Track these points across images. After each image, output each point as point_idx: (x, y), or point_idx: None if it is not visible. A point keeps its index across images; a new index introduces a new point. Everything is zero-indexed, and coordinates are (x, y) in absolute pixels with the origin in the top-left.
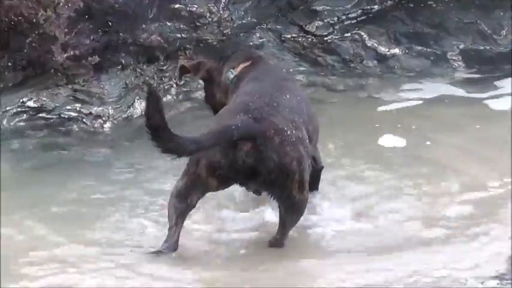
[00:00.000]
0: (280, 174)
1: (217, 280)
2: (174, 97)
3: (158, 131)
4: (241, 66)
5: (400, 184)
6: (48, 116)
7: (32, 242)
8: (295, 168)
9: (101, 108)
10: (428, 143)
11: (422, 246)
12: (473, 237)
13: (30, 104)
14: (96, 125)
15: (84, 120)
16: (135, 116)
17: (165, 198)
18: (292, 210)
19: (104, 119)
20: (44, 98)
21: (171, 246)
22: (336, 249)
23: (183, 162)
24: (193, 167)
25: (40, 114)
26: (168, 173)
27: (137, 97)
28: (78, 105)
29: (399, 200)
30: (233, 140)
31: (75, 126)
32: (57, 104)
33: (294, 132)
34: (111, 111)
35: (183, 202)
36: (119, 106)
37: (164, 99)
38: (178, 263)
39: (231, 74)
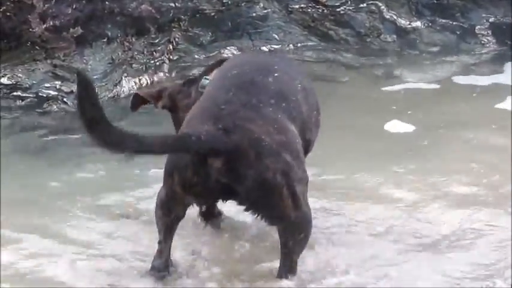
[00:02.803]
0: (262, 192)
1: None
2: (167, 74)
3: (92, 123)
4: (216, 70)
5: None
6: (24, 95)
7: None
8: (280, 181)
9: None
10: (441, 131)
11: None
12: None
13: (4, 80)
14: None
15: (64, 99)
16: (122, 95)
17: (150, 184)
18: (292, 231)
19: None
20: (19, 75)
21: (161, 268)
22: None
23: None
24: (169, 179)
25: (15, 93)
26: (153, 158)
27: (125, 74)
28: (58, 82)
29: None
30: (190, 153)
31: (54, 106)
32: (34, 81)
33: (275, 137)
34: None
35: (168, 215)
36: (104, 84)
37: (155, 76)
38: None
39: (206, 81)
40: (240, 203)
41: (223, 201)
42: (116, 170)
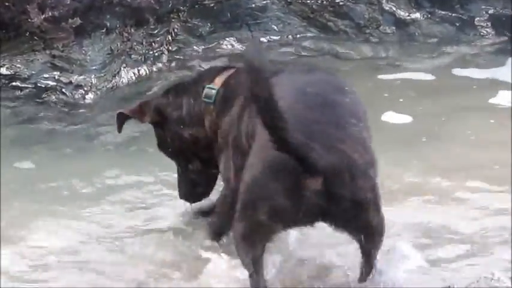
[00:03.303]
0: (354, 210)
1: None
2: (166, 65)
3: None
4: (219, 78)
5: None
6: (23, 85)
7: None
8: (370, 198)
9: (82, 76)
10: (443, 118)
11: None
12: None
13: (3, 71)
14: (76, 96)
15: (63, 90)
16: (120, 86)
17: (150, 176)
18: (373, 235)
19: (85, 89)
20: (18, 65)
21: None
22: None
23: None
24: (251, 210)
25: (14, 83)
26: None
27: (123, 65)
28: (56, 73)
29: None
30: (300, 173)
31: (53, 96)
32: (33, 72)
33: (363, 156)
34: (93, 81)
35: (255, 248)
36: (102, 75)
37: (154, 67)
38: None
39: (212, 90)
40: (329, 223)
41: (311, 224)
42: (114, 159)
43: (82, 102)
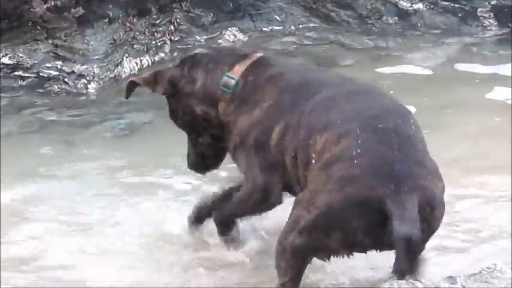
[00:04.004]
0: (426, 237)
1: None
2: (168, 55)
3: None
4: (239, 67)
5: None
6: (26, 75)
7: None
8: (439, 226)
9: (85, 66)
10: (448, 111)
11: None
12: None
13: (5, 60)
14: (79, 86)
15: (65, 79)
16: (123, 76)
17: (155, 165)
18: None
19: (88, 78)
20: (20, 54)
21: None
22: None
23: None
24: (322, 234)
25: (16, 72)
26: (158, 138)
27: (126, 54)
28: (59, 62)
29: None
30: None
31: (55, 86)
32: (35, 61)
33: (439, 186)
34: (96, 70)
35: (300, 261)
36: (105, 64)
37: (156, 57)
38: None
39: (231, 79)
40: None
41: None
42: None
43: (84, 91)
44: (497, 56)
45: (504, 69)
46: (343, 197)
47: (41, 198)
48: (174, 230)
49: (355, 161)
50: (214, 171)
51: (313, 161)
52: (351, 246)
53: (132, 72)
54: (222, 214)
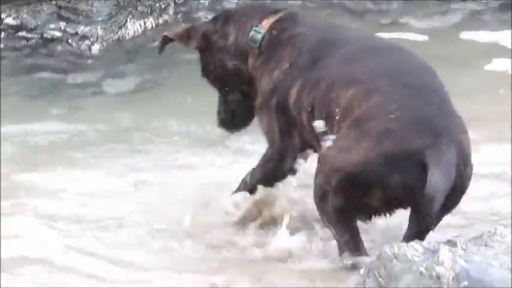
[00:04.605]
0: (456, 197)
1: None
2: (172, 17)
3: None
4: (267, 21)
5: None
6: (29, 36)
7: None
8: (468, 186)
9: (88, 27)
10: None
11: None
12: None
13: (9, 21)
14: (83, 47)
15: (69, 41)
16: (127, 38)
17: (160, 125)
18: (443, 215)
19: (91, 40)
20: (24, 15)
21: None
22: None
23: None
24: (361, 192)
25: (20, 33)
26: (162, 98)
27: (130, 16)
28: (63, 23)
29: None
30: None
31: (59, 47)
32: (39, 22)
33: (468, 142)
34: (100, 32)
35: (348, 219)
36: (109, 26)
37: (160, 19)
38: None
39: (258, 34)
40: None
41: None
42: (121, 106)
43: (88, 53)
44: (500, 23)
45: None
46: (381, 152)
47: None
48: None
49: (392, 116)
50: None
51: (337, 117)
52: (391, 204)
53: (136, 34)
54: (250, 182)
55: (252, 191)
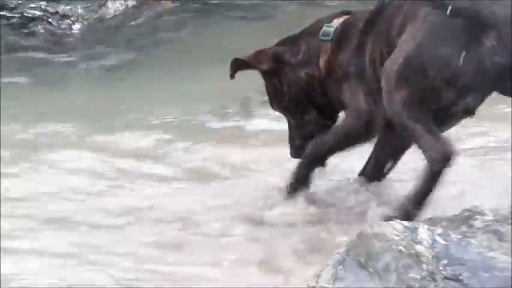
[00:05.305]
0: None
1: None
2: None
3: None
4: (338, 20)
5: None
6: (10, 15)
7: None
8: None
9: (69, 7)
10: None
11: None
12: None
13: None
14: (63, 26)
15: (49, 20)
16: (107, 17)
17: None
18: None
19: (72, 19)
20: None
21: None
22: None
23: None
24: (419, 75)
25: (0, 12)
26: (142, 77)
27: None
28: (43, 3)
29: None
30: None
31: (39, 26)
32: (19, 2)
33: None
34: (80, 11)
35: (422, 112)
36: (89, 5)
37: None
38: None
39: (331, 27)
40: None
41: (483, 95)
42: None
43: (69, 32)
44: None
45: None
46: (428, 27)
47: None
48: None
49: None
50: None
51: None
52: (453, 80)
53: (117, 13)
54: (315, 153)
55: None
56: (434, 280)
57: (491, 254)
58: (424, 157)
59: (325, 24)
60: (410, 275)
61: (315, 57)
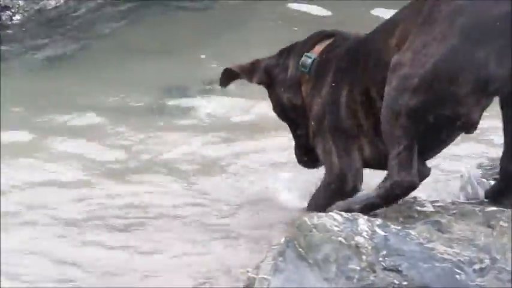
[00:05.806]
0: None
1: None
2: None
3: None
4: (319, 46)
5: None
6: None
7: None
8: None
9: None
10: None
11: None
12: None
13: None
14: (4, 17)
15: (20, 11)
16: (48, 8)
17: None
18: None
19: (13, 10)
20: None
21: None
22: None
23: None
24: (442, 82)
25: None
26: (82, 69)
27: None
28: None
29: None
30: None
31: (11, 16)
32: None
33: None
34: (21, 2)
35: (417, 124)
36: None
37: None
38: None
39: (308, 58)
40: None
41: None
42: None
43: (9, 23)
44: None
45: None
46: (458, 31)
47: None
48: None
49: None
50: None
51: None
52: (483, 85)
53: (58, 4)
54: (316, 208)
55: None
56: (374, 271)
57: (430, 245)
58: (387, 172)
59: (305, 54)
60: (350, 266)
61: (296, 84)
